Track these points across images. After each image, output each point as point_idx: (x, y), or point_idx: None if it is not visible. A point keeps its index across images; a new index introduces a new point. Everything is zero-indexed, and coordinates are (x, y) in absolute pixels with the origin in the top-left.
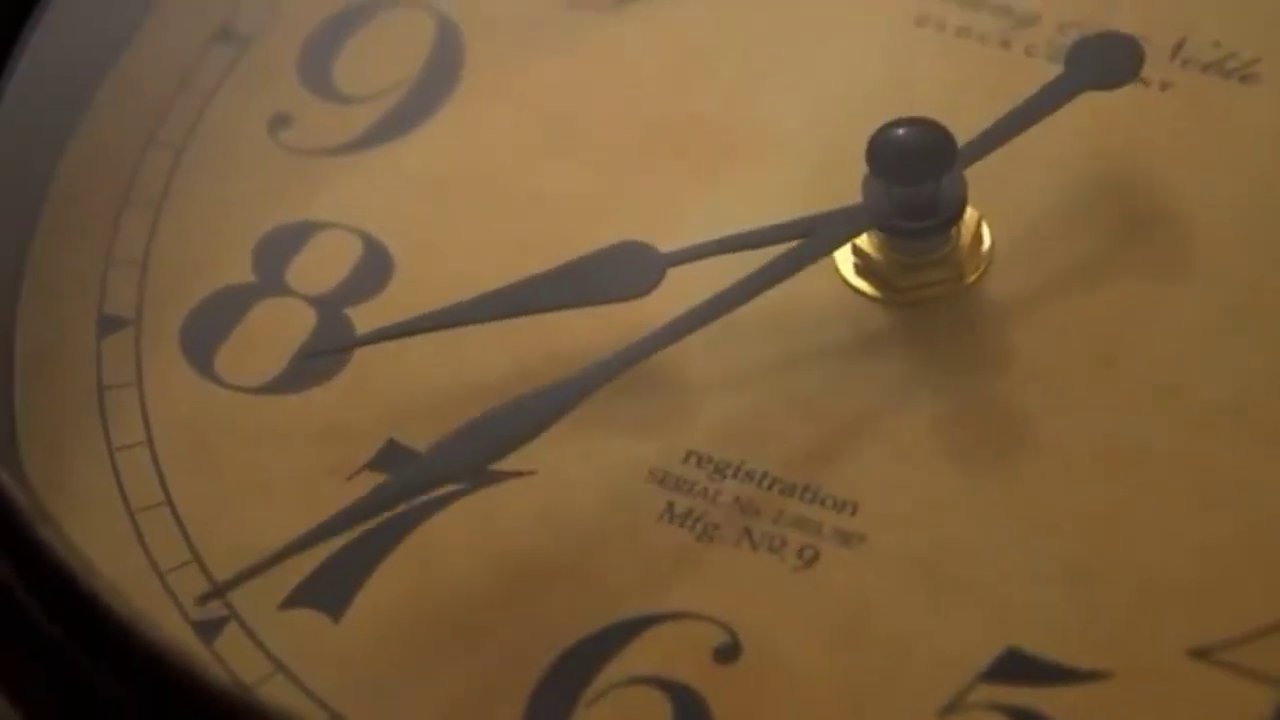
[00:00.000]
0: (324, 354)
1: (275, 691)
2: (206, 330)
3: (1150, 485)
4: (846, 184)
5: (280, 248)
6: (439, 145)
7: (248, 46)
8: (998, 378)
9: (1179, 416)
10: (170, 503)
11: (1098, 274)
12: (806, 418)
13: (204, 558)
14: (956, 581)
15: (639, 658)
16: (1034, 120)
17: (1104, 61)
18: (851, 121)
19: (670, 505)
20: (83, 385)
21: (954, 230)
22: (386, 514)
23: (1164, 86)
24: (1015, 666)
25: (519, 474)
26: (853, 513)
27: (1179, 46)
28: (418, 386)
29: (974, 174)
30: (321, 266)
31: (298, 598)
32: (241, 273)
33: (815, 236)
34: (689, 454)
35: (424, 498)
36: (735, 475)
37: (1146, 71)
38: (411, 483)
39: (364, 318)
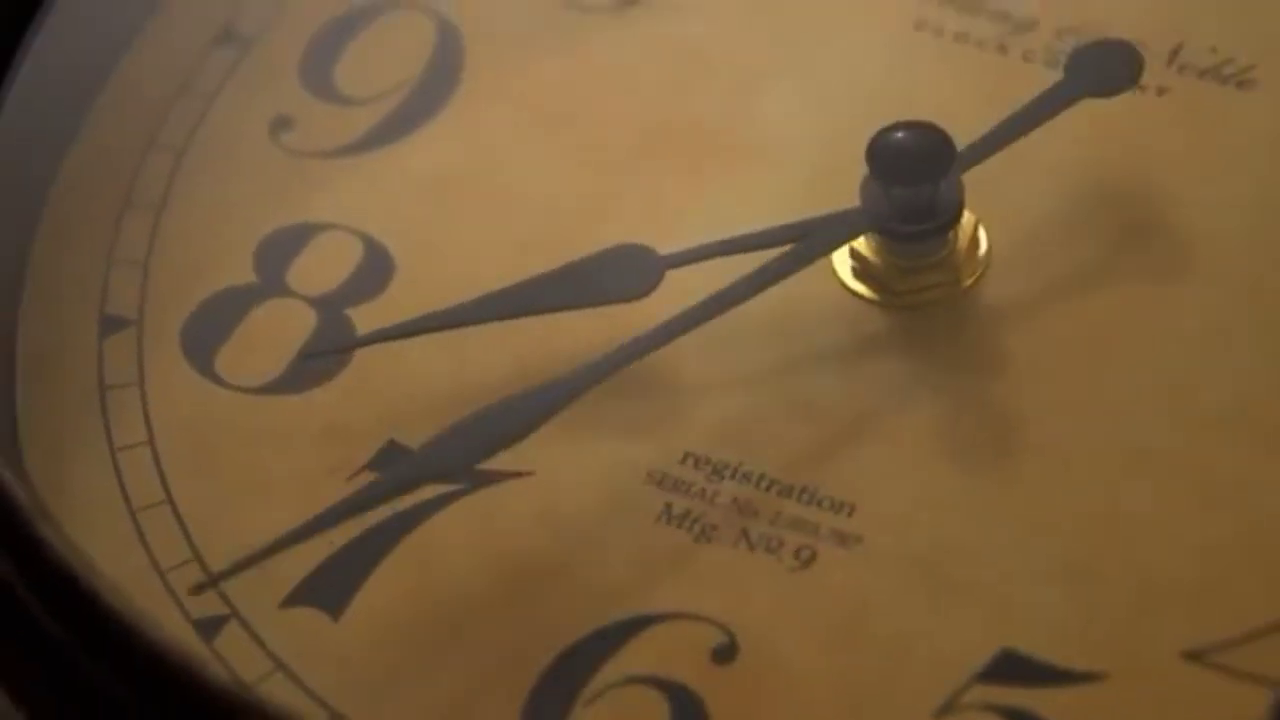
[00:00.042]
0: (324, 354)
1: (275, 690)
2: (208, 331)
3: (1147, 487)
4: (844, 187)
5: (281, 249)
6: (440, 147)
7: (249, 49)
8: (995, 380)
9: (1176, 419)
10: (171, 502)
11: (1095, 278)
12: (804, 419)
13: (205, 557)
14: (953, 582)
15: (636, 658)
16: (1033, 126)
17: (1103, 69)
18: (850, 125)
19: (668, 506)
20: (84, 385)
21: (951, 234)
22: (388, 511)
23: (1161, 92)
24: (1010, 667)
25: (518, 474)
26: (850, 514)
27: (1176, 52)
28: (418, 387)
29: (971, 178)
30: (322, 267)
31: (297, 597)
32: (243, 274)
33: (812, 239)
34: (687, 455)
35: (423, 498)
36: (733, 476)
37: (1143, 77)
38: (403, 479)
39: (364, 318)
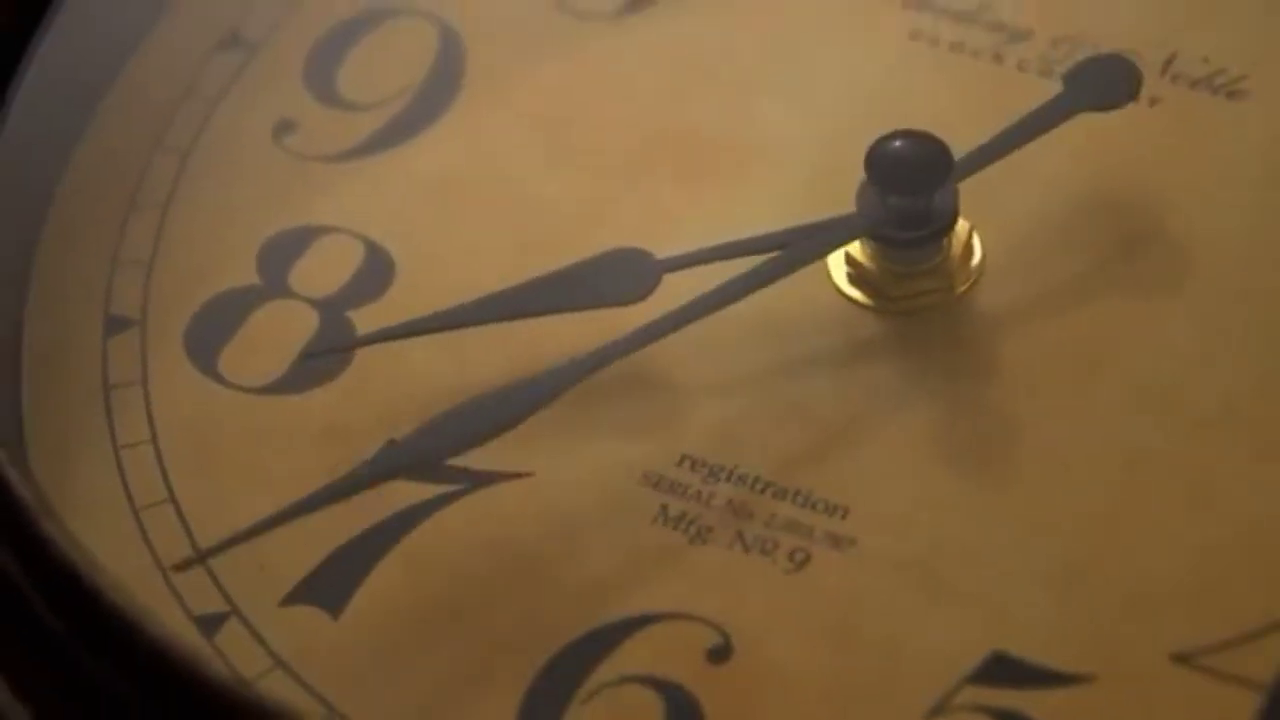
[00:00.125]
0: (325, 354)
1: (274, 686)
2: (210, 331)
3: (1137, 492)
4: (840, 194)
5: (284, 251)
6: (441, 152)
7: (254, 53)
8: (988, 385)
9: (1167, 425)
10: (174, 500)
11: (1088, 284)
12: (799, 423)
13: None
14: (945, 585)
15: (632, 657)
16: (1030, 137)
17: (1102, 83)
18: (846, 133)
19: (664, 508)
20: (89, 384)
21: (945, 241)
22: (387, 512)
23: (1153, 102)
24: (1001, 669)
25: (516, 475)
26: (843, 516)
27: (1169, 62)
28: (418, 388)
29: (965, 186)
30: (324, 270)
31: (297, 595)
32: (245, 275)
33: (807, 243)
34: (683, 457)
35: (422, 498)
36: (728, 479)
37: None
38: (386, 468)
39: (365, 320)
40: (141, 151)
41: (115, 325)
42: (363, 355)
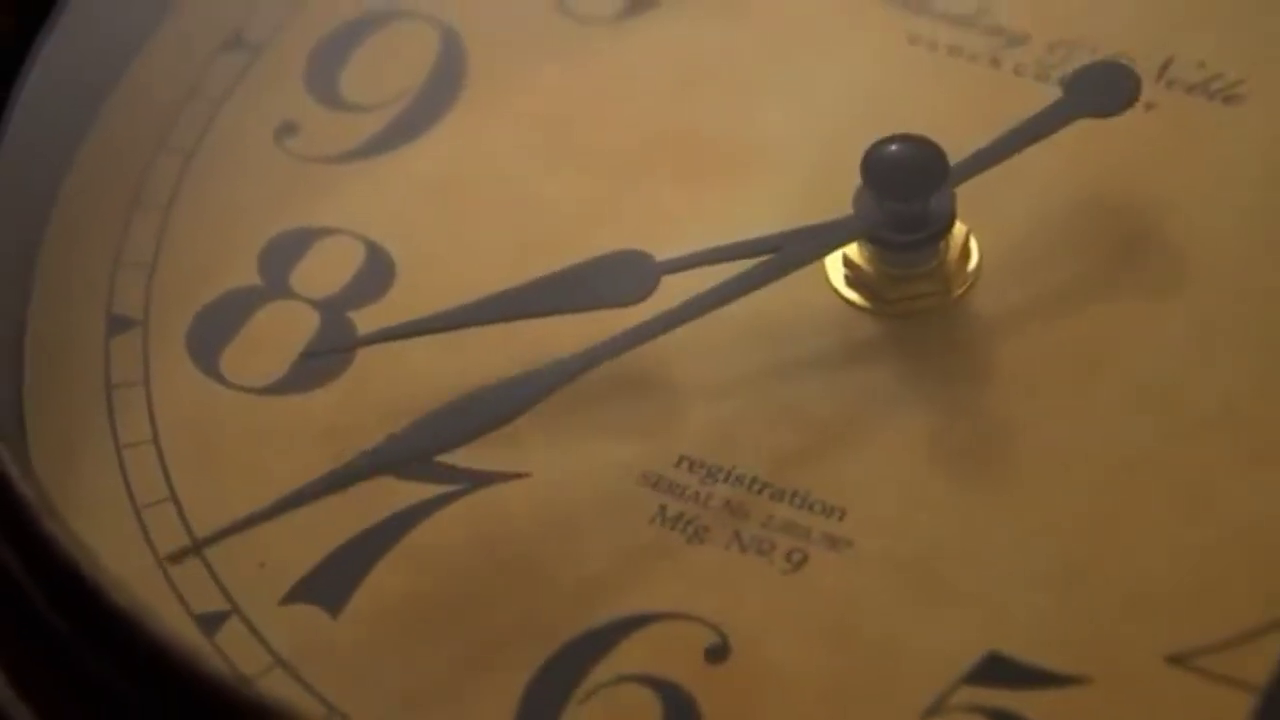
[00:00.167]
0: (326, 354)
1: (274, 685)
2: (212, 331)
3: (1133, 495)
4: (838, 196)
5: (285, 252)
6: (441, 153)
7: (257, 55)
8: (984, 388)
9: (1164, 427)
10: (175, 499)
11: (1085, 288)
12: (796, 424)
13: (207, 553)
14: (941, 586)
15: (630, 657)
16: (1029, 142)
17: (1101, 89)
18: (845, 136)
19: (662, 508)
20: (91, 383)
21: (942, 244)
22: (386, 511)
23: (1149, 107)
24: (997, 670)
25: (516, 476)
26: (840, 518)
27: (1165, 67)
28: (418, 389)
29: (963, 189)
30: (325, 271)
31: (298, 594)
32: (247, 276)
33: (804, 245)
34: (681, 458)
35: (422, 498)
36: (726, 480)
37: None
38: (376, 462)
39: (366, 321)
40: (145, 152)
41: (118, 325)
42: (363, 355)
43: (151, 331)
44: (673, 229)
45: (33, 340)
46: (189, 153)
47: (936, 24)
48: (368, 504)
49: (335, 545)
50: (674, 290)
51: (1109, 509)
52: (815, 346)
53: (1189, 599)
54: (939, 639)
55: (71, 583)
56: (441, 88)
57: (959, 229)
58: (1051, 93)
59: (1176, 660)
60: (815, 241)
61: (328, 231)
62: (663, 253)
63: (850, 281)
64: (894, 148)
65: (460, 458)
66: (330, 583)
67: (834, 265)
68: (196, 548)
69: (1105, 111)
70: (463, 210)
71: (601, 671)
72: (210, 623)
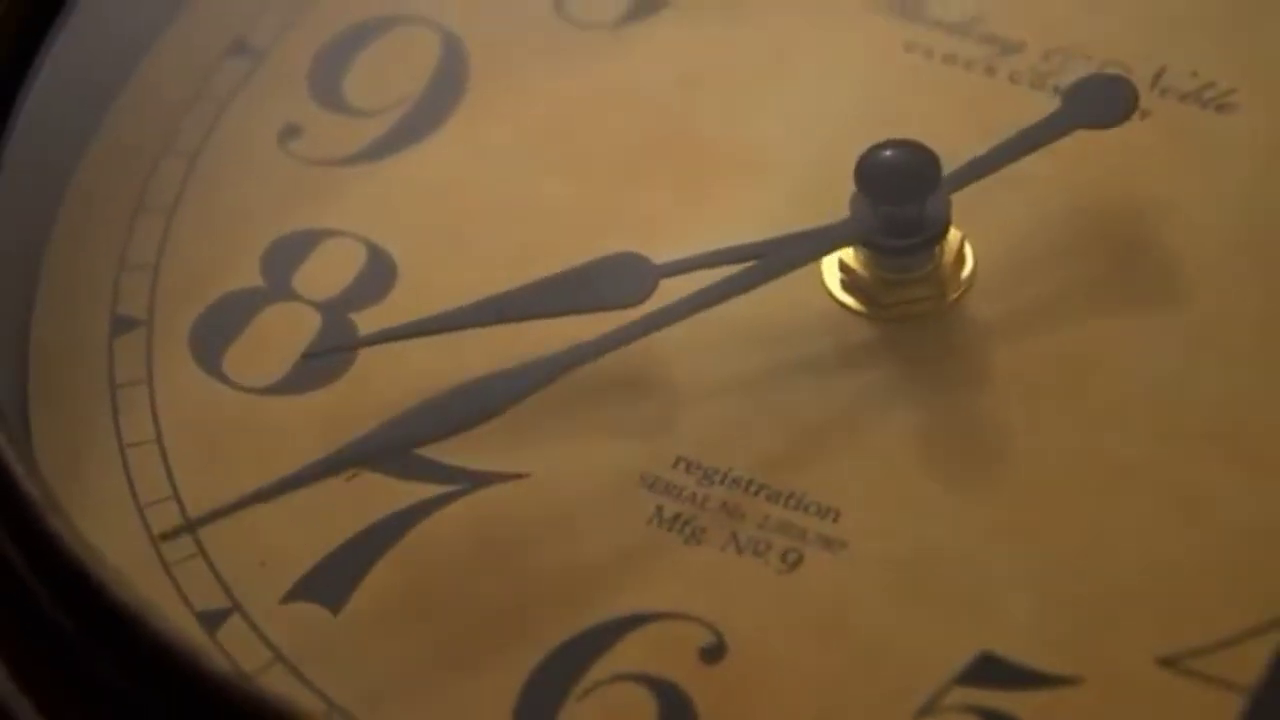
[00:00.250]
0: (326, 354)
1: (275, 681)
2: (215, 332)
3: (1125, 498)
4: (835, 201)
5: (288, 254)
6: (443, 157)
7: (262, 59)
8: (978, 392)
9: (1156, 434)
10: (178, 498)
11: (1079, 295)
12: (793, 426)
13: (208, 551)
14: (935, 587)
15: (627, 656)
16: (1026, 151)
17: (1100, 101)
18: (841, 142)
19: (659, 509)
20: (95, 383)
21: (937, 249)
22: (386, 510)
23: (1143, 115)
24: (989, 670)
25: (515, 476)
26: (835, 519)
27: (1158, 76)
28: (419, 390)
29: (957, 195)
30: (327, 273)
31: (298, 592)
32: (250, 277)
33: (799, 248)
34: (678, 460)
35: (422, 498)
36: (723, 481)
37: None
38: (378, 447)
39: (368, 323)
40: (151, 153)
41: (122, 325)
42: (364, 356)
43: (155, 332)
44: (672, 233)
45: (38, 340)
46: (193, 156)
47: (932, 32)
48: (368, 503)
49: (336, 544)
50: (673, 293)
51: (1101, 512)
52: (811, 350)
53: (1180, 601)
54: (932, 639)
55: (75, 580)
56: (443, 92)
57: (954, 234)
58: (1046, 100)
59: (1167, 662)
60: (810, 245)
61: (330, 234)
62: (662, 256)
63: (846, 286)
64: (888, 153)
65: (460, 458)
66: (331, 581)
67: (830, 270)
68: (190, 527)
69: (1103, 123)
70: (464, 213)
71: (599, 670)
72: (212, 620)
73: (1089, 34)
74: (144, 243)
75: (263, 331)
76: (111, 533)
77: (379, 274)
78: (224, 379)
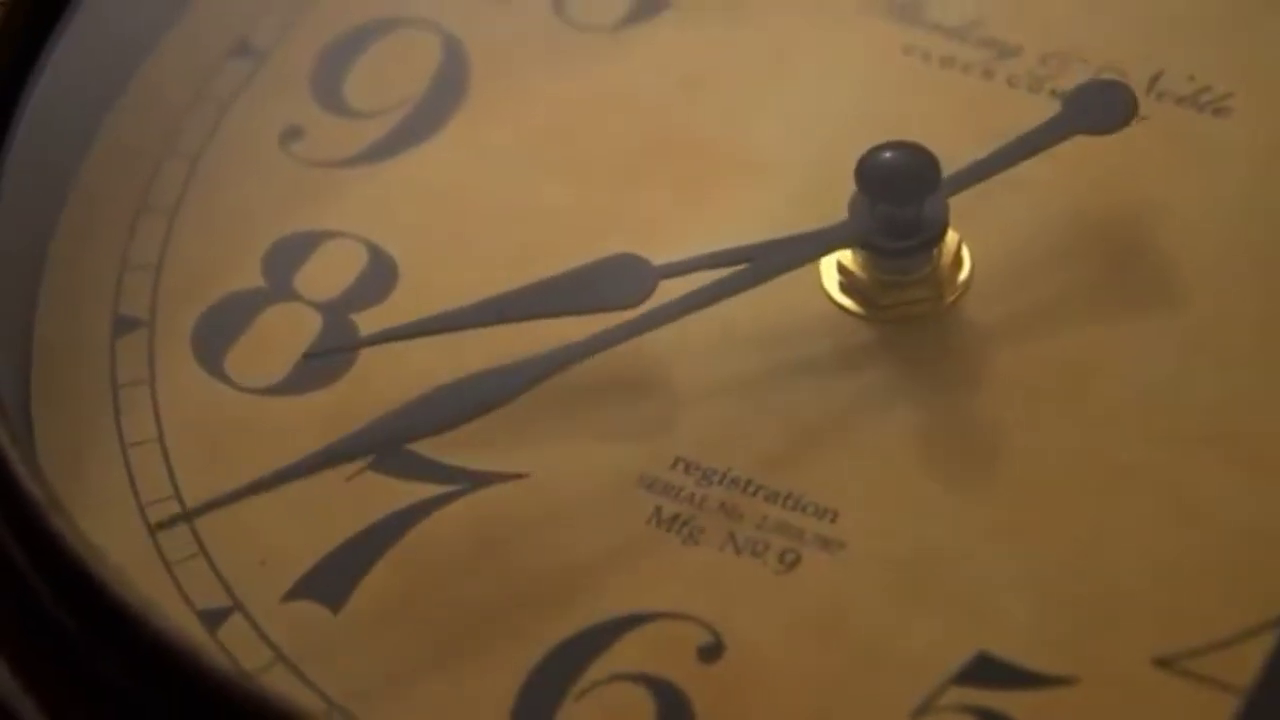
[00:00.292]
0: (327, 354)
1: (275, 680)
2: (217, 333)
3: (1121, 499)
4: (833, 203)
5: (289, 255)
6: (443, 159)
7: (264, 61)
8: (975, 393)
9: (1151, 436)
10: (179, 497)
11: (1075, 298)
12: (790, 427)
13: (209, 550)
14: (931, 587)
15: (625, 655)
16: (1026, 155)
17: (1100, 107)
18: (840, 145)
19: (658, 509)
20: (97, 383)
21: (935, 251)
22: (387, 510)
23: (1140, 119)
24: (985, 670)
25: (515, 476)
26: (833, 519)
27: (1155, 79)
28: (419, 390)
29: (955, 198)
30: (328, 274)
31: (299, 591)
32: (252, 278)
33: (798, 249)
34: (677, 460)
35: (422, 498)
36: (721, 482)
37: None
38: (374, 440)
39: (368, 323)
40: (153, 154)
41: (124, 325)
42: (365, 357)
43: (157, 332)
44: (671, 234)
45: (40, 339)
46: (195, 156)
47: (931, 35)
48: (368, 503)
49: (336, 543)
50: (672, 294)
51: (1097, 513)
52: (810, 351)
53: (1175, 602)
54: (928, 639)
55: (77, 578)
56: (444, 95)
57: (951, 237)
58: (1044, 104)
59: (1163, 662)
60: (808, 247)
61: (331, 235)
62: (662, 257)
63: (844, 288)
64: (888, 154)
65: (460, 458)
66: (331, 580)
67: (828, 272)
68: (187, 517)
69: (1102, 129)
70: (464, 215)
71: (597, 669)
72: (213, 619)
73: (1086, 38)
74: (146, 243)
75: (264, 332)
76: (113, 531)
77: (380, 275)
78: (225, 379)
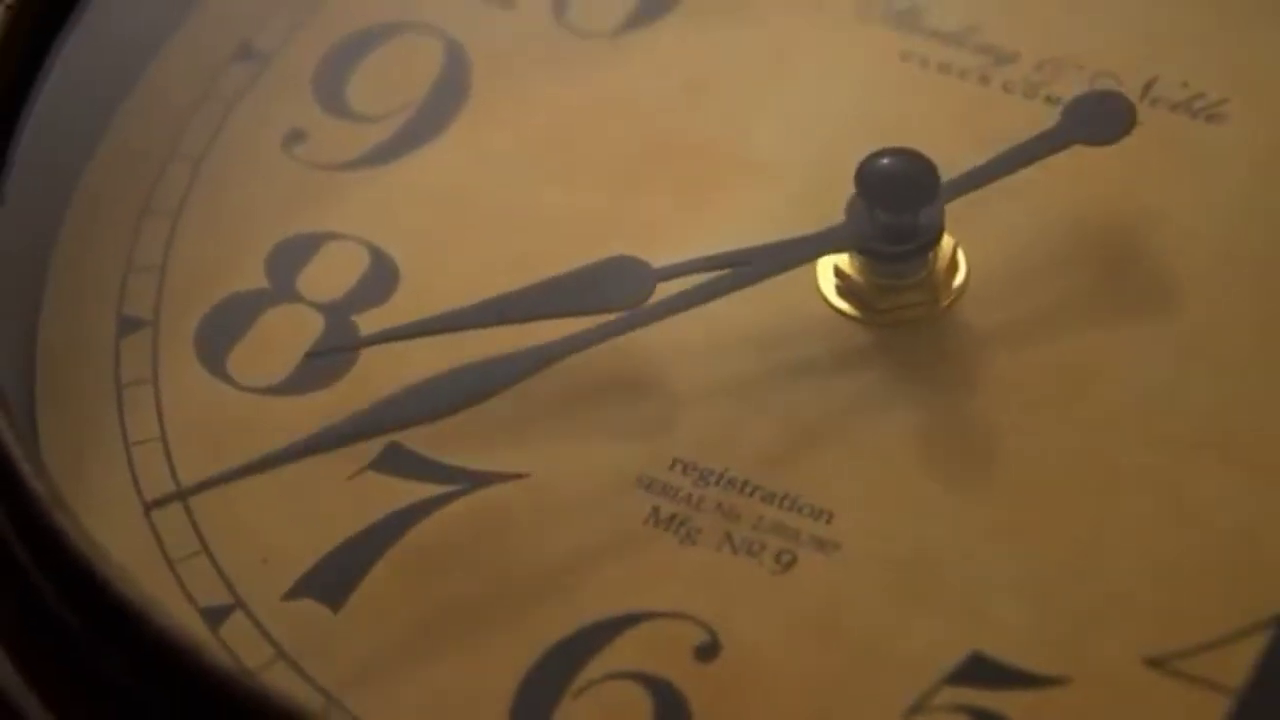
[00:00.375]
0: (329, 354)
1: (276, 677)
2: (220, 333)
3: (1115, 501)
4: (831, 208)
5: (292, 256)
6: (445, 163)
7: (267, 65)
8: (971, 396)
9: (1146, 439)
10: (181, 495)
11: (1071, 302)
12: (787, 429)
13: (211, 548)
14: (925, 588)
15: (623, 654)
16: (1023, 164)
17: (1099, 118)
18: (838, 149)
19: (656, 510)
20: (101, 382)
21: (931, 256)
22: (387, 510)
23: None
24: (979, 670)
25: (514, 476)
26: (829, 520)
27: (1149, 86)
28: None
29: (951, 204)
30: (330, 275)
31: (300, 589)
32: (254, 279)
33: (795, 251)
34: (675, 461)
35: (422, 497)
36: (718, 482)
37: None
38: (356, 429)
39: (370, 325)
40: (157, 156)
41: (128, 325)
42: (366, 358)
43: (161, 332)
44: (671, 238)
45: (45, 340)
46: (199, 159)
47: (928, 42)
48: (369, 503)
49: (337, 543)
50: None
51: (1091, 515)
52: (806, 354)
53: (1168, 603)
54: (923, 639)
55: (80, 576)
56: (445, 99)
57: (947, 241)
58: (1039, 110)
59: (1155, 663)
60: (805, 249)
61: (333, 237)
62: (661, 260)
63: (841, 291)
64: (887, 160)
65: (460, 458)
66: (332, 579)
67: (825, 275)
68: (181, 495)
69: (1100, 139)
70: (465, 218)
71: (595, 668)
72: (215, 616)
73: (1081, 45)
74: (150, 245)
75: (266, 333)
76: (116, 530)
77: (381, 277)
78: (228, 379)
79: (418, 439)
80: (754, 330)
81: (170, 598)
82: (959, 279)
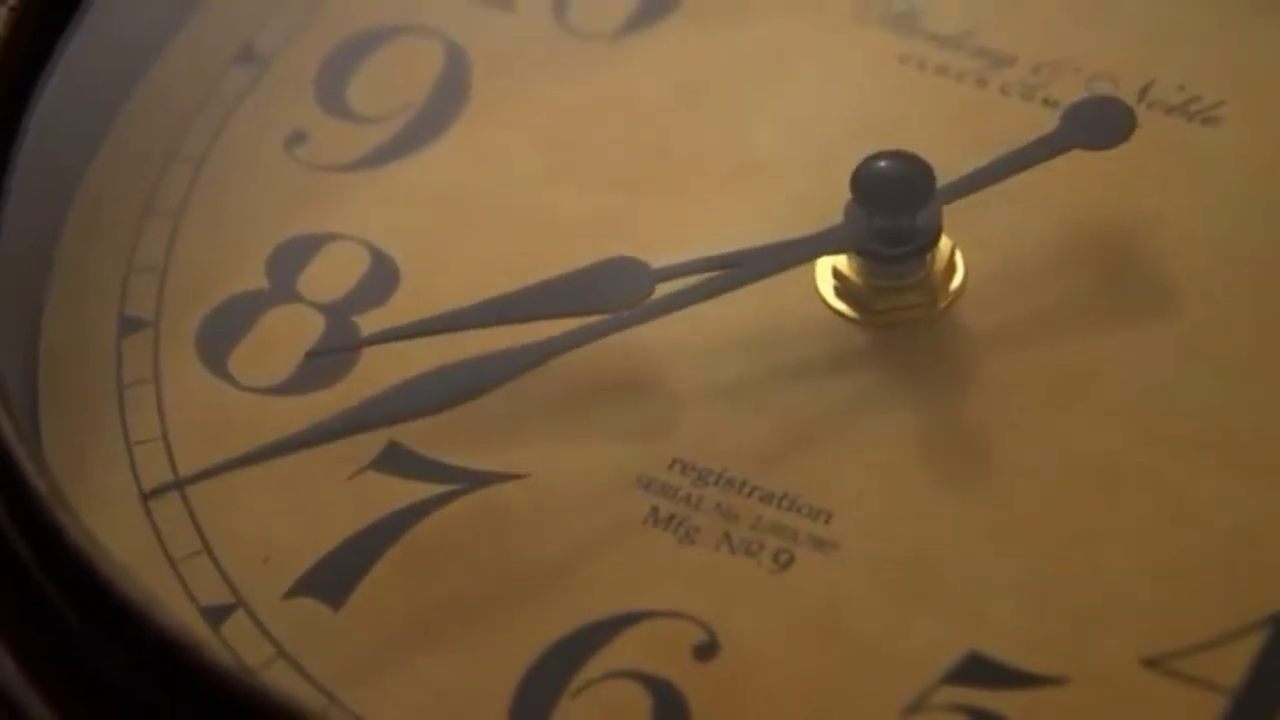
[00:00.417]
0: (329, 353)
1: (277, 676)
2: (221, 333)
3: (1112, 502)
4: (829, 209)
5: (292, 257)
6: (445, 165)
7: (268, 66)
8: (968, 397)
9: (1143, 440)
10: (182, 495)
11: (1068, 304)
12: (786, 429)
13: (213, 548)
14: (924, 588)
15: (621, 653)
16: (1022, 168)
17: (1098, 123)
18: (836, 152)
19: (655, 510)
20: (103, 382)
21: (928, 258)
22: (387, 509)
23: None
24: (976, 670)
25: (514, 476)
26: (827, 520)
27: (1146, 89)
28: None
29: (949, 206)
30: (331, 276)
31: (300, 588)
32: (255, 280)
33: (794, 252)
34: (674, 461)
35: (422, 497)
36: (716, 483)
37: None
38: (354, 422)
39: (370, 325)
40: (159, 157)
41: (130, 326)
42: (366, 358)
43: (162, 333)
44: (670, 239)
45: (47, 340)
46: (200, 160)
47: (925, 45)
48: (369, 502)
49: (337, 542)
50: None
51: (1088, 515)
52: (805, 354)
53: (1165, 603)
54: (921, 639)
55: (81, 574)
56: (446, 101)
57: (945, 243)
58: (1036, 112)
59: (1152, 663)
60: (804, 250)
61: (334, 238)
62: (661, 261)
63: (839, 292)
64: (883, 164)
65: (460, 458)
66: (332, 578)
67: (823, 276)
68: (178, 485)
69: (1100, 145)
70: (465, 219)
71: (594, 667)
72: (216, 615)
73: (1078, 48)
74: (152, 245)
75: (267, 333)
76: (118, 529)
77: (381, 278)
78: (229, 379)
79: (418, 439)
80: (753, 331)
81: (171, 596)
82: (957, 280)
